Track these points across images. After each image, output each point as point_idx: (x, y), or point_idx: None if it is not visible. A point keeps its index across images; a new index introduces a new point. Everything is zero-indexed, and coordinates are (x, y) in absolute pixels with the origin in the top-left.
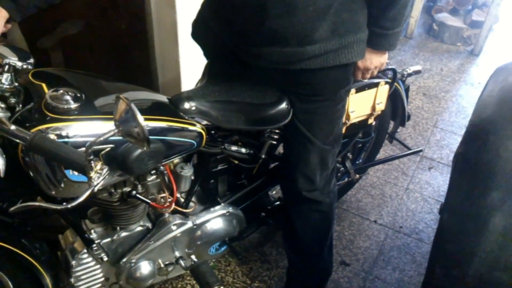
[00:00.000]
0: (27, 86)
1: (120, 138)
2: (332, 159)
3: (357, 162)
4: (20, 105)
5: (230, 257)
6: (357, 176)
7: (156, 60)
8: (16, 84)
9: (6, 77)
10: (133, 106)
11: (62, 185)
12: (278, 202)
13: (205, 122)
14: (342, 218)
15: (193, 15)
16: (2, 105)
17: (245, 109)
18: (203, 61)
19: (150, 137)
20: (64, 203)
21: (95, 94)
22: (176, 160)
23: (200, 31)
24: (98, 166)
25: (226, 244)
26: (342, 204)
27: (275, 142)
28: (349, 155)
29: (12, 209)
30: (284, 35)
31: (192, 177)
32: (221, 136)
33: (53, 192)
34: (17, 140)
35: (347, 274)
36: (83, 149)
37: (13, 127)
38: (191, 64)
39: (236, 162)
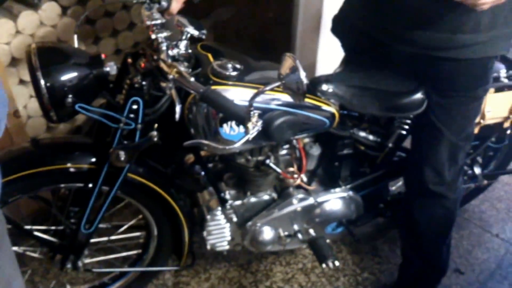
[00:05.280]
0: (196, 54)
1: (265, 106)
2: (462, 156)
3: (485, 171)
4: (190, 69)
5: (342, 244)
6: (485, 182)
7: (296, 50)
8: (190, 51)
9: (184, 44)
10: (298, 62)
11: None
12: (397, 196)
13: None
14: (462, 227)
15: (338, 7)
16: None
17: (381, 95)
18: (339, 56)
19: (290, 109)
20: (224, 146)
21: (249, 67)
22: (306, 139)
23: (340, 26)
24: (255, 118)
25: (343, 225)
26: (464, 213)
27: (404, 132)
28: (479, 159)
29: (186, 143)
30: (439, 21)
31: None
32: (351, 121)
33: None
34: (192, 91)
35: (460, 282)
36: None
37: (192, 79)
38: (327, 56)
39: (362, 148)
